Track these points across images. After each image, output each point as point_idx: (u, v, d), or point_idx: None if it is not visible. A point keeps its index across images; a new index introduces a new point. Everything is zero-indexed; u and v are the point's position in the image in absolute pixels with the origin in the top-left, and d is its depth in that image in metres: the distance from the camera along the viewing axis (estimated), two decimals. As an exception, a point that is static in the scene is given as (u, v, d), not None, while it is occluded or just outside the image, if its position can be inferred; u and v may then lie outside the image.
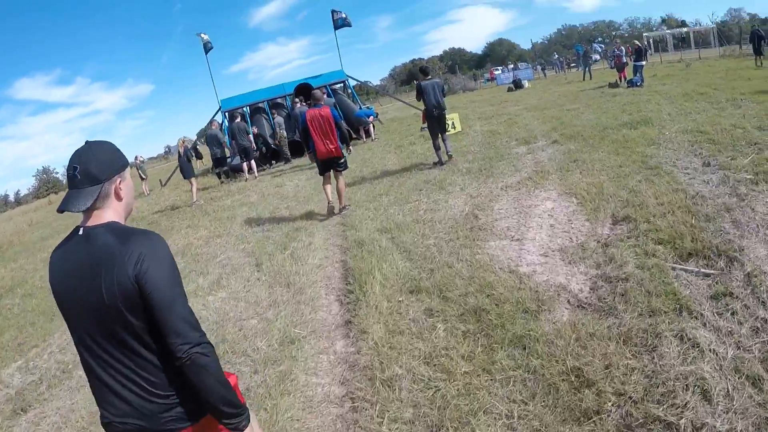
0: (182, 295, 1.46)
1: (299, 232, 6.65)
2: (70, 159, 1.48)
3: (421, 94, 8.56)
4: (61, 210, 1.49)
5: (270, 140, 16.00)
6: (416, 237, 5.30)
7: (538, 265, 4.08)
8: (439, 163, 8.69)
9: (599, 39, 62.81)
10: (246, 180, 13.45)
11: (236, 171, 14.75)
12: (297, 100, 15.06)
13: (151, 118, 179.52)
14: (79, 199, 1.45)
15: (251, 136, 13.68)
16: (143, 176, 19.18)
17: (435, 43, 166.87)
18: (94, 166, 1.47)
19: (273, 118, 17.15)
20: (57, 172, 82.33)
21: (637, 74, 15.83)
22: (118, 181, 1.53)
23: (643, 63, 16.26)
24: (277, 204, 9.16)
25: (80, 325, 1.48)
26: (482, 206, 5.81)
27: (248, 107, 18.03)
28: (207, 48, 18.15)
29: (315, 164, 7.69)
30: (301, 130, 7.58)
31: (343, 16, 18.28)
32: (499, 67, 53.17)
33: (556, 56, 46.67)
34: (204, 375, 1.42)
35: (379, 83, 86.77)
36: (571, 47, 74.35)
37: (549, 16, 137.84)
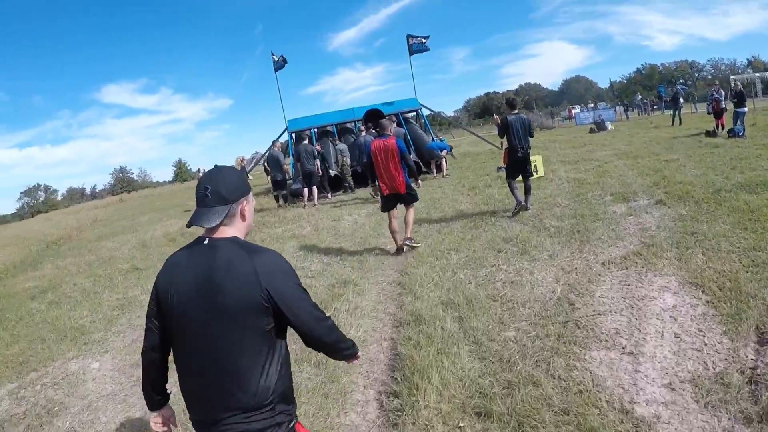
0: (308, 297, 1.68)
1: (346, 288, 5.66)
2: (202, 179, 1.67)
3: (506, 129, 7.45)
4: (190, 225, 1.62)
5: (334, 166, 15.35)
6: (491, 323, 4.15)
7: (661, 405, 2.83)
8: (518, 204, 7.56)
9: (681, 80, 58.65)
10: (304, 206, 12.77)
11: (295, 196, 14.21)
12: (363, 127, 14.41)
13: (227, 131, 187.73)
14: (210, 217, 1.61)
15: (317, 160, 12.97)
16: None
17: (510, 77, 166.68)
18: (224, 188, 1.64)
19: (337, 144, 16.64)
20: (132, 173, 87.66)
21: (739, 122, 13.86)
22: (244, 203, 1.71)
23: (745, 109, 14.35)
24: (330, 242, 8.29)
25: (188, 327, 1.61)
26: (579, 288, 4.56)
27: (315, 129, 17.55)
28: (277, 65, 17.94)
29: (378, 198, 6.94)
30: (365, 161, 6.99)
31: (422, 41, 17.57)
32: (577, 106, 50.93)
33: (639, 97, 43.85)
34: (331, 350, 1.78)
35: (452, 114, 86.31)
36: (652, 87, 71.94)
37: (627, 54, 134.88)
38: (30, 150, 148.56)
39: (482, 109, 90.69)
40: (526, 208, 7.56)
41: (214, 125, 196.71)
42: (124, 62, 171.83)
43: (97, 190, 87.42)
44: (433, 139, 16.74)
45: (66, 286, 8.24)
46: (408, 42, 17.89)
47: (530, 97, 64.77)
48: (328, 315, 1.76)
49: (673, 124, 21.49)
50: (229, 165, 2.09)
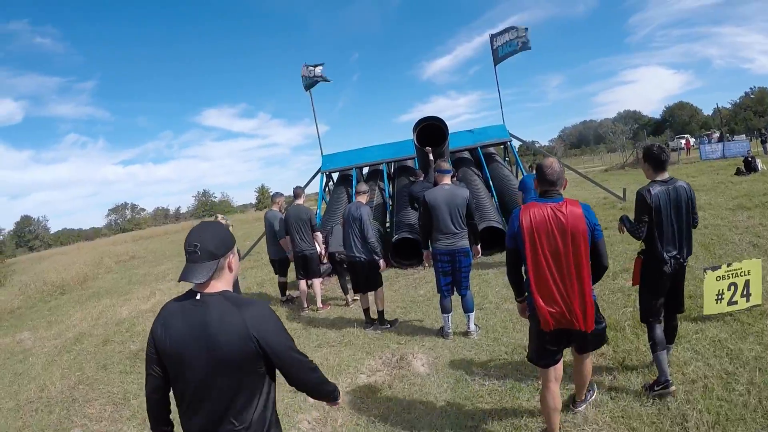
0: (292, 342, 1.88)
1: None
2: (190, 237, 1.79)
3: (647, 216, 3.56)
4: (181, 280, 1.77)
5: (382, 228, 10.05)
6: None
7: None
8: (662, 383, 3.54)
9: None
10: (304, 310, 7.38)
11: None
12: (421, 167, 9.34)
13: (321, 156, 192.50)
14: (201, 272, 1.75)
15: (319, 234, 7.50)
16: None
17: (606, 105, 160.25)
18: (212, 244, 1.79)
19: (390, 190, 11.59)
20: (215, 196, 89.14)
21: None
22: (230, 257, 1.87)
23: None
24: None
25: (184, 377, 1.78)
26: None
27: (358, 169, 12.69)
28: (308, 81, 13.19)
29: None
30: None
31: (515, 38, 12.16)
32: (685, 136, 42.82)
33: None
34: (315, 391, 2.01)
35: (547, 144, 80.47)
36: (764, 114, 62.64)
37: (728, 78, 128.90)
38: (133, 167, 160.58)
39: (579, 139, 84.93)
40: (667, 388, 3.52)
41: (309, 150, 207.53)
42: (225, 88, 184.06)
43: (182, 212, 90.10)
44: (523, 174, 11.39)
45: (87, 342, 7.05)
46: (492, 45, 12.68)
47: (639, 126, 56.19)
48: (310, 359, 1.94)
49: None
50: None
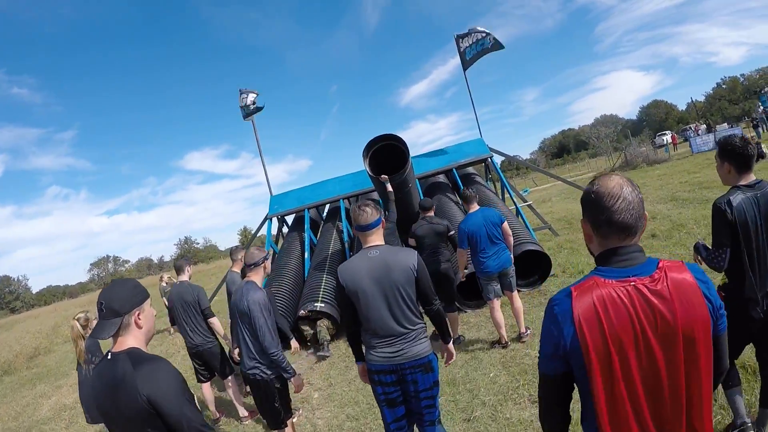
0: (190, 401, 1.81)
1: None
2: (100, 295, 1.85)
3: (725, 233, 2.58)
4: (92, 337, 2.07)
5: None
6: None
7: None
8: (739, 429, 2.77)
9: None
10: (255, 415, 5.07)
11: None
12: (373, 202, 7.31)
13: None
14: (106, 329, 1.80)
15: (215, 320, 5.09)
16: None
17: (582, 112, 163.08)
18: (116, 302, 1.82)
19: (351, 232, 9.48)
20: (197, 243, 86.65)
21: None
22: (137, 314, 1.87)
23: None
24: None
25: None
26: None
27: (310, 210, 10.47)
28: (247, 111, 11.17)
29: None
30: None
31: (481, 36, 10.20)
32: (681, 131, 41.46)
33: (761, 108, 33.69)
34: None
35: (529, 157, 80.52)
36: (737, 101, 63.79)
37: (695, 74, 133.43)
38: (117, 217, 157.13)
39: (559, 148, 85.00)
40: None
41: (294, 185, 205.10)
42: (206, 130, 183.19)
43: (165, 261, 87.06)
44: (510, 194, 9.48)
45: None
46: (458, 47, 10.76)
47: (619, 128, 54.81)
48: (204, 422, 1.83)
49: None
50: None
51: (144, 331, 1.88)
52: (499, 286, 5.34)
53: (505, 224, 5.32)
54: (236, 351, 4.46)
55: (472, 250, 5.33)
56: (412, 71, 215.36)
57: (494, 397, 4.23)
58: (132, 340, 1.83)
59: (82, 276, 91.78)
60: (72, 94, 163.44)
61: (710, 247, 2.66)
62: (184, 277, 5.27)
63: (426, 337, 2.85)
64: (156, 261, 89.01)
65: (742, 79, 73.00)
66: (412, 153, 7.36)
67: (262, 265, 3.64)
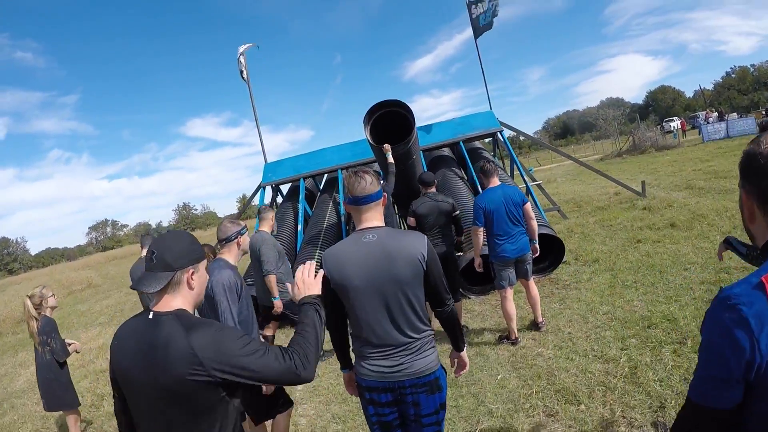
0: (257, 350, 1.50)
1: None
2: (151, 244, 1.62)
3: None
4: (133, 288, 1.70)
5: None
6: None
7: None
8: None
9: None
10: None
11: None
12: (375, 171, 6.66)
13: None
14: (152, 282, 1.54)
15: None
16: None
17: (588, 94, 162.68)
18: (169, 255, 1.57)
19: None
20: (196, 209, 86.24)
21: None
22: (190, 272, 1.61)
23: None
24: None
25: (136, 402, 1.56)
26: None
27: (306, 179, 9.83)
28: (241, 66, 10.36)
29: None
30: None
31: (492, 5, 9.41)
32: (690, 118, 40.51)
33: None
34: None
35: (532, 135, 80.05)
36: (747, 92, 63.05)
37: (704, 62, 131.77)
38: (119, 182, 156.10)
39: (563, 129, 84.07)
40: None
41: (296, 154, 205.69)
42: (209, 97, 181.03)
43: (163, 226, 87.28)
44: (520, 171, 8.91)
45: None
46: (470, 14, 9.97)
47: (627, 110, 53.47)
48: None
49: None
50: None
51: (195, 293, 1.65)
52: (514, 273, 4.75)
53: (528, 205, 4.69)
54: None
55: (487, 230, 4.72)
56: (418, 45, 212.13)
57: (503, 405, 3.66)
58: (180, 300, 1.59)
59: (82, 239, 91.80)
60: (75, 58, 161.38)
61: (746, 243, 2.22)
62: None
63: (433, 347, 2.22)
64: (154, 226, 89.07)
65: (752, 70, 71.58)
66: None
67: (236, 240, 3.03)
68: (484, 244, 4.95)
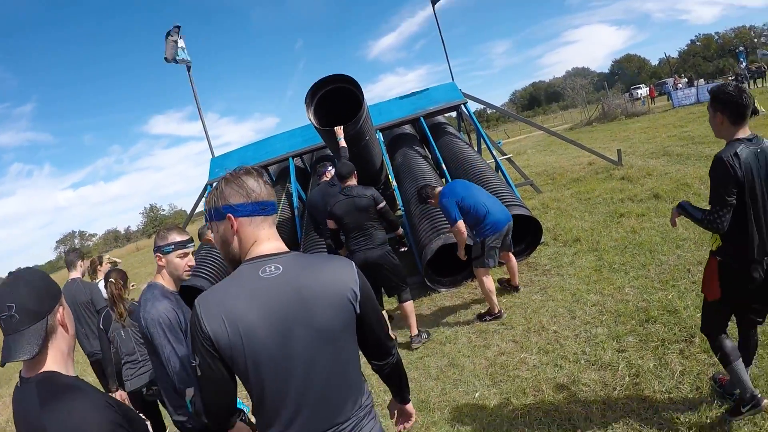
0: None
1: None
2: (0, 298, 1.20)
3: (731, 190, 2.29)
4: (3, 363, 1.17)
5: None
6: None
7: None
8: (750, 404, 2.39)
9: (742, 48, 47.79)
10: None
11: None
12: (328, 164, 5.79)
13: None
14: (24, 345, 1.16)
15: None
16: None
17: (552, 65, 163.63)
18: (31, 301, 1.20)
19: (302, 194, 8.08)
20: (163, 210, 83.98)
21: None
22: (60, 310, 1.28)
23: None
24: None
25: None
26: None
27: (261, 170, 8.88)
28: (175, 52, 9.22)
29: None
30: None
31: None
32: (658, 84, 40.38)
33: (744, 64, 32.80)
34: None
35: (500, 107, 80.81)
36: (711, 59, 64.80)
37: (667, 31, 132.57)
38: (84, 189, 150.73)
39: (530, 100, 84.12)
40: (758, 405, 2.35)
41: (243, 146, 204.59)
42: (169, 93, 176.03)
43: (132, 231, 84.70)
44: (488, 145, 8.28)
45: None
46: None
47: (595, 79, 53.46)
48: None
49: None
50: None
51: (71, 335, 1.32)
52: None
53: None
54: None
55: (472, 215, 4.42)
56: (381, 24, 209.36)
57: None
58: (52, 354, 1.24)
59: (51, 254, 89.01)
60: (27, 67, 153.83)
61: (701, 207, 2.47)
62: (76, 274, 4.32)
63: (375, 416, 1.45)
64: (123, 232, 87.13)
65: (716, 38, 72.81)
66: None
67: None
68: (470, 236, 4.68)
